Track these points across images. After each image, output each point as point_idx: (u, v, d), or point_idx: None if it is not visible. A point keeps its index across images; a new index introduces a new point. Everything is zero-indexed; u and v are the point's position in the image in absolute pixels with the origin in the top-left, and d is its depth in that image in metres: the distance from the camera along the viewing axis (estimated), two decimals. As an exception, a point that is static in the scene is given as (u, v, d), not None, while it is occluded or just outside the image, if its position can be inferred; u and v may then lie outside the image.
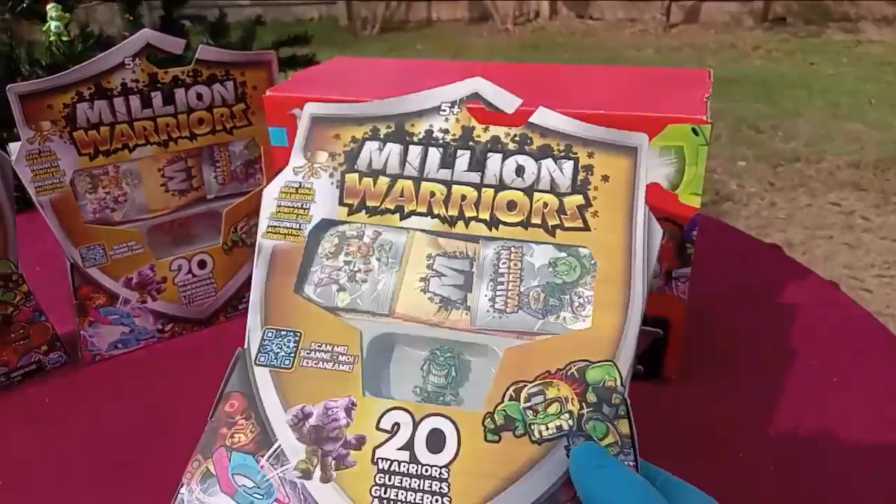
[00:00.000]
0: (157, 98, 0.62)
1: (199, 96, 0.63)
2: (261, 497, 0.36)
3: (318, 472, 0.36)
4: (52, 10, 0.93)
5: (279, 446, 0.37)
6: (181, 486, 0.38)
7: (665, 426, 0.56)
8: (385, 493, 0.36)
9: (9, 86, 0.56)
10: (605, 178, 0.42)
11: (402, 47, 5.16)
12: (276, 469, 0.37)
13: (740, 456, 0.53)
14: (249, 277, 0.71)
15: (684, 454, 0.54)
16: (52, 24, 0.93)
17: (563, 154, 0.43)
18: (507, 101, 0.44)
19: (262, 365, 0.39)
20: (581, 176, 0.42)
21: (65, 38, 0.94)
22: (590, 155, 0.43)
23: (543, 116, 0.44)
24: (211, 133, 0.65)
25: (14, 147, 0.58)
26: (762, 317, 0.70)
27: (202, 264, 0.68)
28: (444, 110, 0.44)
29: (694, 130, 0.52)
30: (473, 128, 0.44)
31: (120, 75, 0.60)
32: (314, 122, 0.45)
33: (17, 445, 0.56)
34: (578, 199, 0.42)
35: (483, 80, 0.44)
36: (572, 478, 0.35)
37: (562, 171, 0.43)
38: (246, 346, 0.40)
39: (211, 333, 0.70)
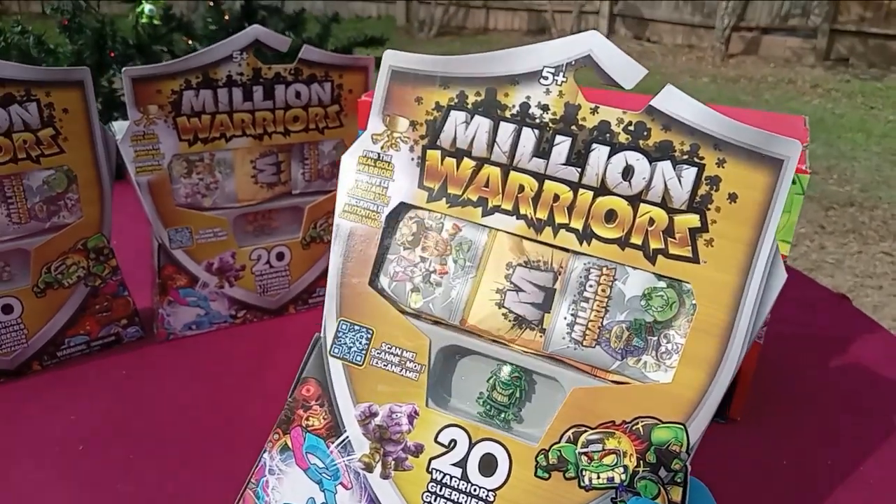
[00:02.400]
0: (258, 92, 0.64)
1: (298, 94, 0.65)
2: (329, 478, 0.39)
3: (378, 468, 0.39)
4: (148, -6, 0.96)
5: (347, 437, 0.40)
6: (264, 452, 0.41)
7: (728, 467, 0.56)
8: (435, 500, 0.38)
9: (124, 69, 0.58)
10: (733, 198, 0.35)
11: (456, 52, 5.18)
12: (343, 457, 0.39)
13: (804, 506, 0.53)
14: (323, 273, 0.73)
15: (744, 502, 0.54)
16: (147, 8, 0.96)
17: (685, 157, 0.35)
18: (628, 72, 0.35)
19: (336, 356, 0.41)
20: (703, 190, 0.35)
21: (157, 22, 0.97)
22: (720, 163, 0.35)
23: (670, 100, 0.35)
24: (304, 131, 0.67)
25: (119, 126, 0.60)
26: (830, 367, 0.69)
27: (280, 256, 0.70)
28: (546, 78, 0.37)
29: (792, 179, 0.51)
30: (579, 107, 0.37)
31: (227, 67, 0.62)
32: (393, 78, 0.40)
33: (98, 414, 0.58)
34: (693, 219, 0.35)
35: (601, 36, 0.36)
36: None
37: (680, 181, 0.35)
38: (322, 333, 0.41)
39: (280, 324, 0.72)
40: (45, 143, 0.58)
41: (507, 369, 0.40)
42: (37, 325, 0.61)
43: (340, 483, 0.39)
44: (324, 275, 0.73)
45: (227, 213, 0.67)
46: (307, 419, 0.40)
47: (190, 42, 1.26)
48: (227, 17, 1.30)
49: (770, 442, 0.59)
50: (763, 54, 5.18)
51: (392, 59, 0.40)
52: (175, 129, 0.62)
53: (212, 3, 1.36)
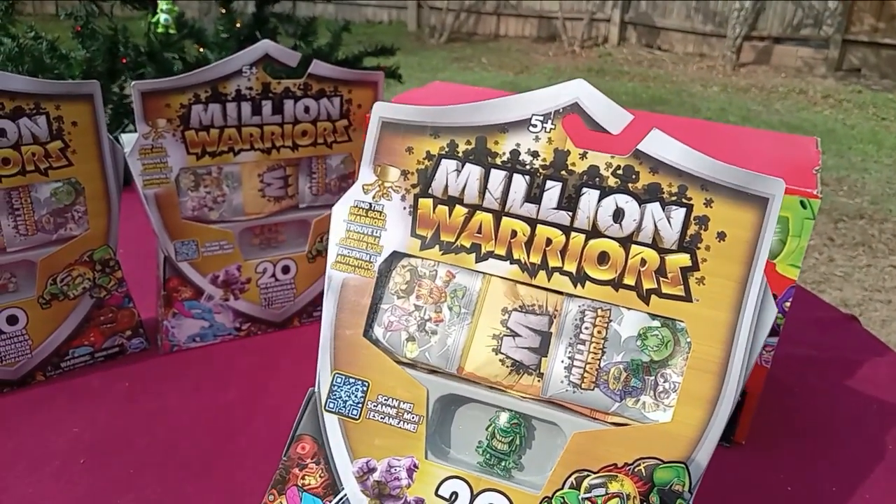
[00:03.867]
0: (266, 107, 0.64)
1: (307, 109, 0.65)
2: None
3: None
4: (163, 2, 0.96)
5: (345, 495, 0.39)
6: None
7: (731, 494, 0.56)
8: None
9: (133, 83, 0.58)
10: (722, 236, 0.36)
11: (467, 59, 5.18)
12: None
13: (810, 535, 0.52)
14: (328, 287, 0.73)
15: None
16: (162, 17, 0.97)
17: (674, 198, 0.36)
18: (614, 118, 0.36)
19: (331, 411, 0.40)
20: (692, 230, 0.36)
21: (172, 31, 0.97)
22: (707, 203, 0.36)
23: (656, 144, 0.36)
24: (312, 145, 0.67)
25: (128, 139, 0.60)
26: (837, 390, 0.69)
27: (286, 269, 0.70)
28: (535, 125, 0.38)
29: (802, 203, 0.51)
30: (568, 152, 0.37)
31: (236, 82, 0.62)
32: (384, 129, 0.40)
33: (100, 426, 0.58)
34: (684, 259, 0.36)
35: (587, 84, 0.37)
36: None
37: (669, 222, 0.36)
38: (316, 387, 0.40)
39: (285, 336, 0.72)
40: (53, 155, 0.58)
41: (505, 416, 0.40)
42: (41, 336, 0.62)
43: None
44: (329, 288, 0.73)
45: (233, 227, 0.67)
46: (303, 478, 0.40)
47: (202, 50, 1.26)
48: (238, 25, 1.30)
49: (774, 466, 0.58)
50: (774, 64, 5.16)
51: (382, 110, 0.40)
52: (183, 143, 0.62)
53: (223, 11, 1.37)
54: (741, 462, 0.59)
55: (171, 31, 1.00)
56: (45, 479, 0.53)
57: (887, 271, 2.44)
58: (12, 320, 0.60)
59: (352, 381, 0.40)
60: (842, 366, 0.72)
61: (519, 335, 0.39)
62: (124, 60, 1.18)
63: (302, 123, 0.66)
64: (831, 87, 4.71)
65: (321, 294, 0.73)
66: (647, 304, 0.37)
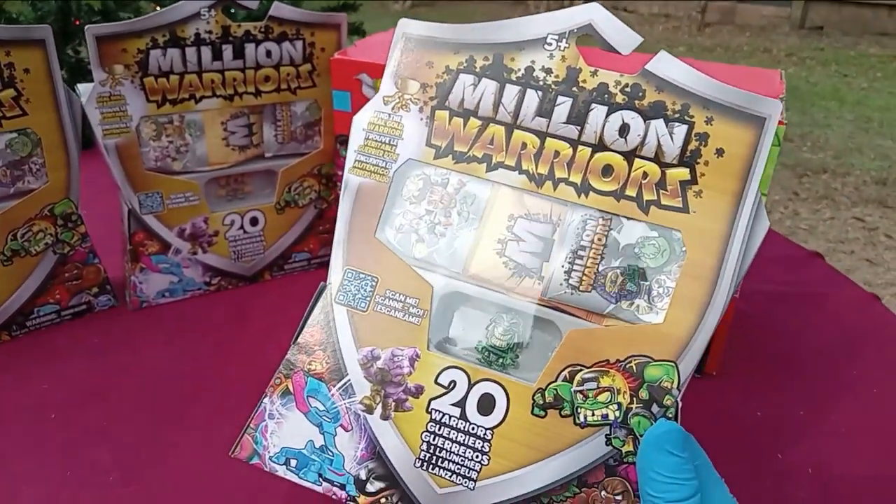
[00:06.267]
0: (227, 51, 0.62)
1: (269, 53, 0.64)
2: (329, 420, 0.40)
3: (378, 410, 0.40)
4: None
5: (349, 380, 0.40)
6: (264, 397, 0.41)
7: (703, 422, 0.57)
8: (433, 440, 0.39)
9: (87, 27, 0.56)
10: (720, 152, 0.38)
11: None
12: (343, 399, 0.40)
13: (778, 457, 0.54)
14: (298, 239, 0.72)
15: (720, 451, 0.55)
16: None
17: (677, 116, 0.38)
18: (625, 39, 0.39)
19: (340, 303, 0.42)
20: (692, 145, 0.38)
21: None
22: (708, 120, 0.38)
23: (663, 64, 0.39)
24: (276, 91, 0.66)
25: (84, 88, 0.58)
26: (804, 322, 0.70)
27: (254, 221, 0.69)
28: (550, 43, 0.40)
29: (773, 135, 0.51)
30: (580, 70, 0.40)
31: (194, 25, 0.60)
32: (407, 44, 0.42)
33: (67, 383, 0.57)
34: (683, 172, 0.38)
35: (602, 7, 0.39)
36: (641, 445, 0.36)
37: (671, 137, 0.38)
38: (328, 281, 0.42)
39: (255, 291, 0.71)
40: (6, 105, 0.56)
41: (506, 316, 0.42)
42: (4, 295, 0.60)
43: (340, 425, 0.40)
44: (299, 241, 0.72)
45: (198, 177, 0.65)
46: (310, 364, 0.41)
47: (158, 8, 1.22)
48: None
49: (744, 395, 0.60)
50: (739, 23, 5.19)
51: (406, 26, 0.42)
52: (142, 90, 0.60)
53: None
54: (712, 391, 0.60)
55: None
56: (16, 434, 0.52)
57: (850, 223, 2.50)
58: (-28, 277, 0.58)
59: (362, 276, 0.42)
60: (808, 299, 0.74)
61: (523, 240, 0.42)
62: (77, 22, 1.14)
63: (264, 68, 0.64)
64: (794, 45, 4.76)
65: (292, 246, 0.72)
66: (647, 214, 0.39)
